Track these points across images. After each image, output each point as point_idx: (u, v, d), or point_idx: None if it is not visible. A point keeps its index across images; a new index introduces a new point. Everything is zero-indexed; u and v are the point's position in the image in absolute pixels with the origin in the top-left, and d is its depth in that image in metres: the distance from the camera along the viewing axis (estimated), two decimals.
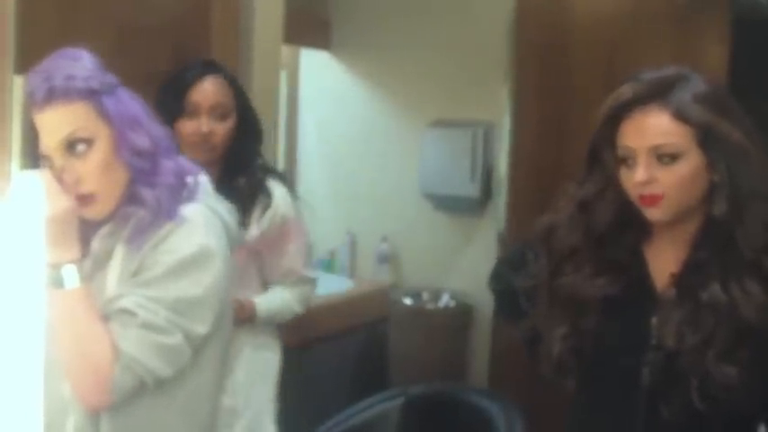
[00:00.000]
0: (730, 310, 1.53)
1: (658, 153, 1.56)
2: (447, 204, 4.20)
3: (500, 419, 2.65)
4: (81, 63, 1.60)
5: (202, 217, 1.64)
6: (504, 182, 3.98)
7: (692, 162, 1.56)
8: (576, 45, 3.75)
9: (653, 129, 1.56)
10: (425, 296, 4.16)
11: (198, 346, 1.60)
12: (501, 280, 1.95)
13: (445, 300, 4.11)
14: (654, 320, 1.61)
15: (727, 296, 1.54)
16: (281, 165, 4.09)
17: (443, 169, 4.11)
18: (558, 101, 3.77)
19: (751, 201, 1.55)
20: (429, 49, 4.21)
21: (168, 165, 1.62)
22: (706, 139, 1.55)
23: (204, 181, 1.71)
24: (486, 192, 4.09)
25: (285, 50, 3.72)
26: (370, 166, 4.39)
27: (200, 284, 1.58)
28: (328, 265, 4.32)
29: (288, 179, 2.66)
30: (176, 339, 1.55)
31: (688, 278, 1.60)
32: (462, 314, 4.08)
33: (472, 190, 4.08)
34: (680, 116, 1.55)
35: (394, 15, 4.28)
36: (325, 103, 4.50)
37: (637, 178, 1.57)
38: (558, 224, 1.72)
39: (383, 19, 4.31)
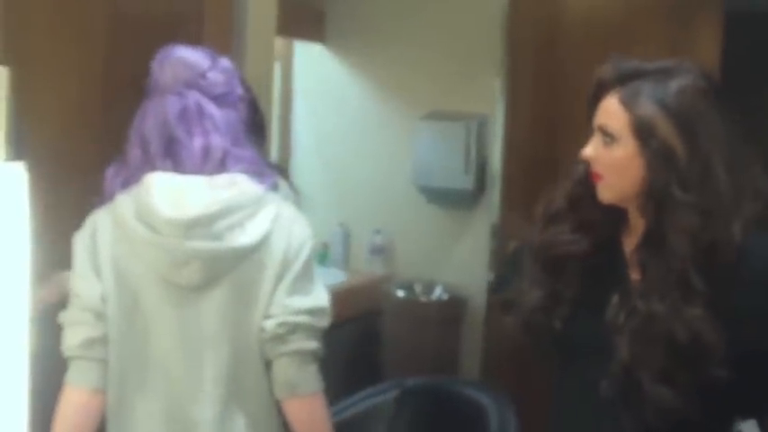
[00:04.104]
0: (666, 326, 1.55)
1: (601, 133, 1.63)
2: (440, 197, 4.20)
3: (493, 411, 2.66)
4: None
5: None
6: (498, 174, 3.98)
7: (625, 149, 1.60)
8: (568, 38, 3.76)
9: (602, 110, 1.64)
10: (418, 288, 4.16)
11: None
12: (506, 287, 1.97)
13: (438, 292, 4.12)
14: (615, 298, 1.64)
15: (665, 309, 1.55)
16: (274, 156, 4.09)
17: (437, 162, 4.11)
18: (551, 94, 3.78)
19: (677, 207, 1.55)
20: (423, 42, 4.20)
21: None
22: (639, 130, 1.58)
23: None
24: (480, 184, 4.09)
25: (279, 43, 3.71)
26: (364, 159, 4.39)
27: None
28: (322, 258, 4.32)
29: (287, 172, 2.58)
30: None
31: (635, 292, 1.63)
32: (455, 307, 4.09)
33: (465, 182, 4.08)
34: (626, 103, 1.60)
35: (388, 8, 4.28)
36: (319, 96, 4.50)
37: (582, 152, 1.67)
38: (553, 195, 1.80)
39: (377, 11, 4.31)
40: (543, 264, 1.74)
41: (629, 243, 1.70)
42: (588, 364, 1.68)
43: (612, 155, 1.62)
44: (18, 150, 1.53)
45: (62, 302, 1.88)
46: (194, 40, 2.67)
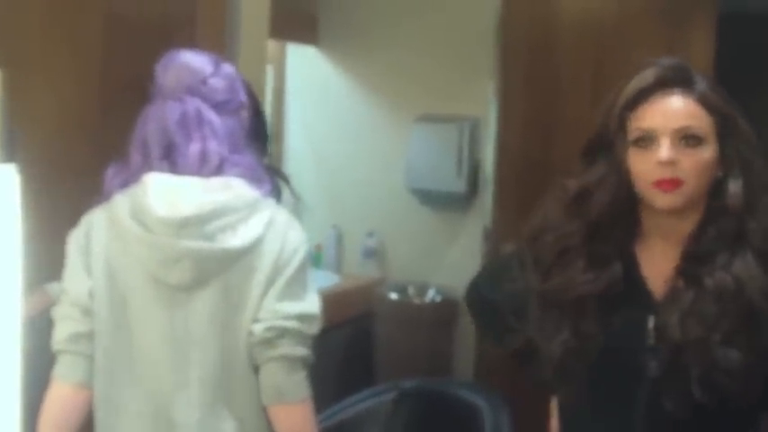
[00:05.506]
0: (736, 294, 1.54)
1: (683, 135, 1.56)
2: (433, 199, 4.20)
3: (488, 413, 2.66)
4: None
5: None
6: (490, 177, 3.98)
7: (710, 149, 1.57)
8: (561, 41, 3.76)
9: (680, 111, 1.57)
10: (411, 291, 4.16)
11: None
12: (480, 299, 1.95)
13: (431, 294, 4.12)
14: (650, 323, 1.61)
15: (733, 280, 1.54)
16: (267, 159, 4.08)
17: (430, 164, 4.11)
18: (545, 97, 3.78)
19: (763, 194, 1.58)
20: (416, 45, 4.20)
21: None
22: (723, 129, 1.57)
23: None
24: (473, 187, 4.10)
25: (271, 45, 3.72)
26: (357, 161, 4.39)
27: None
28: (315, 260, 4.31)
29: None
30: None
31: (691, 269, 1.60)
32: (448, 309, 4.08)
33: (458, 185, 4.08)
34: (705, 103, 1.57)
35: (381, 10, 4.28)
36: (312, 98, 4.50)
37: (662, 156, 1.55)
38: (546, 226, 1.71)
39: (370, 14, 4.31)
40: (558, 308, 1.66)
41: (646, 253, 1.67)
42: (622, 379, 1.65)
43: (699, 157, 1.56)
44: (10, 152, 1.53)
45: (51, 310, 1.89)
46: (187, 43, 2.67)
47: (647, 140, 1.58)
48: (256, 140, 1.97)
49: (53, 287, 2.03)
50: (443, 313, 4.09)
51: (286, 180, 2.05)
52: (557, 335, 1.64)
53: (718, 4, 3.54)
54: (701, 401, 1.52)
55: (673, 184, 1.56)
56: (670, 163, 1.54)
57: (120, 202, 1.82)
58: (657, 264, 1.65)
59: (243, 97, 1.92)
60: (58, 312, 1.84)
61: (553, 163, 3.44)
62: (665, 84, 1.59)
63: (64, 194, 2.19)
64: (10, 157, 1.51)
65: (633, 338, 1.62)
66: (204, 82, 1.85)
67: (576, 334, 1.63)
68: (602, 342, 1.62)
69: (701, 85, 1.59)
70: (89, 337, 1.82)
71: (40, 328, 1.80)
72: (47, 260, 1.75)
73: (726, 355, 1.52)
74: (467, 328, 4.07)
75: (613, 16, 3.67)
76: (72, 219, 1.90)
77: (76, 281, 1.83)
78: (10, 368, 1.06)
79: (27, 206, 1.25)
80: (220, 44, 2.79)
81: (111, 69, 2.38)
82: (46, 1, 2.25)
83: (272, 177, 1.95)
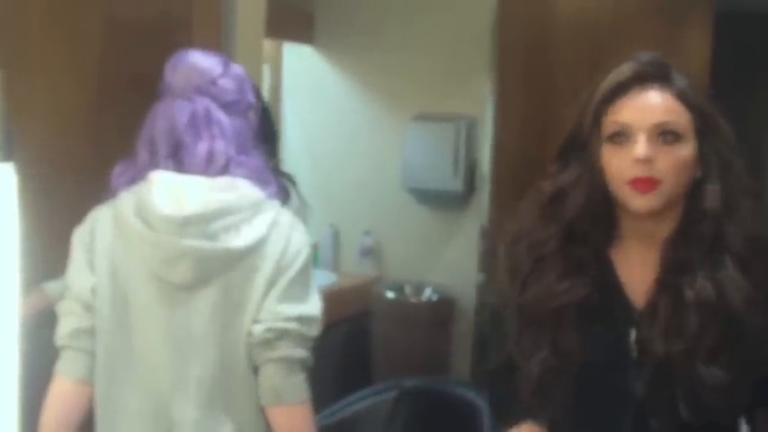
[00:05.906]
0: (718, 304, 1.49)
1: (660, 131, 1.50)
2: (430, 198, 4.21)
3: (487, 412, 2.67)
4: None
5: None
6: (487, 176, 3.99)
7: (689, 147, 1.52)
8: (557, 39, 3.76)
9: (658, 106, 1.51)
10: (408, 290, 4.17)
11: None
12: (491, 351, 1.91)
13: (428, 293, 4.12)
14: (633, 334, 1.56)
15: (714, 288, 1.49)
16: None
17: (426, 163, 4.11)
18: (541, 95, 3.78)
19: (742, 196, 1.54)
20: (412, 44, 4.21)
21: None
22: (703, 127, 1.53)
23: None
24: (469, 186, 4.10)
25: (267, 44, 3.71)
26: (353, 160, 4.39)
27: None
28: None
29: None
30: None
31: (671, 279, 1.55)
32: (445, 307, 4.09)
33: (455, 184, 4.08)
34: (683, 99, 1.52)
35: (377, 10, 4.28)
36: (308, 98, 4.50)
37: (638, 153, 1.48)
38: (521, 233, 1.66)
39: (366, 13, 4.31)
40: (536, 323, 1.59)
41: (622, 259, 1.62)
42: (606, 394, 1.59)
43: (677, 154, 1.50)
44: (9, 152, 1.53)
45: (49, 309, 1.90)
46: (183, 43, 2.67)
47: (622, 136, 1.52)
48: (264, 142, 1.98)
49: (51, 286, 2.03)
50: (440, 312, 4.09)
51: (293, 182, 2.06)
52: (536, 352, 1.58)
53: (715, 3, 3.55)
54: (688, 421, 1.49)
55: (649, 183, 1.49)
56: (646, 161, 1.48)
57: (126, 200, 1.83)
58: (635, 269, 1.60)
59: (252, 98, 1.93)
60: (62, 307, 1.85)
61: (549, 162, 3.43)
62: (643, 78, 1.54)
63: (62, 194, 2.20)
64: (8, 157, 1.51)
65: (615, 352, 1.58)
66: (213, 82, 1.86)
67: (555, 351, 1.57)
68: (583, 356, 1.56)
69: (680, 81, 1.55)
70: (90, 333, 1.82)
71: (37, 328, 1.81)
72: (45, 260, 1.75)
73: (711, 374, 1.47)
74: (463, 327, 4.08)
75: (609, 15, 3.67)
76: (70, 218, 1.90)
77: (79, 277, 1.83)
78: (8, 368, 1.06)
79: (25, 206, 1.25)
80: (217, 43, 2.79)
81: (111, 69, 2.38)
82: (46, 1, 2.25)
83: (279, 179, 1.95)
